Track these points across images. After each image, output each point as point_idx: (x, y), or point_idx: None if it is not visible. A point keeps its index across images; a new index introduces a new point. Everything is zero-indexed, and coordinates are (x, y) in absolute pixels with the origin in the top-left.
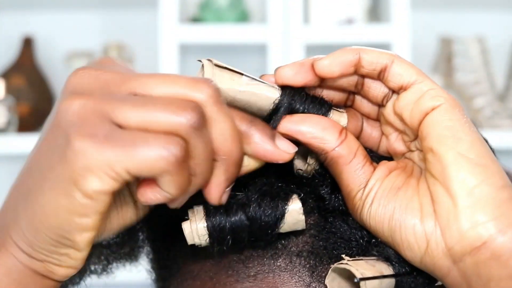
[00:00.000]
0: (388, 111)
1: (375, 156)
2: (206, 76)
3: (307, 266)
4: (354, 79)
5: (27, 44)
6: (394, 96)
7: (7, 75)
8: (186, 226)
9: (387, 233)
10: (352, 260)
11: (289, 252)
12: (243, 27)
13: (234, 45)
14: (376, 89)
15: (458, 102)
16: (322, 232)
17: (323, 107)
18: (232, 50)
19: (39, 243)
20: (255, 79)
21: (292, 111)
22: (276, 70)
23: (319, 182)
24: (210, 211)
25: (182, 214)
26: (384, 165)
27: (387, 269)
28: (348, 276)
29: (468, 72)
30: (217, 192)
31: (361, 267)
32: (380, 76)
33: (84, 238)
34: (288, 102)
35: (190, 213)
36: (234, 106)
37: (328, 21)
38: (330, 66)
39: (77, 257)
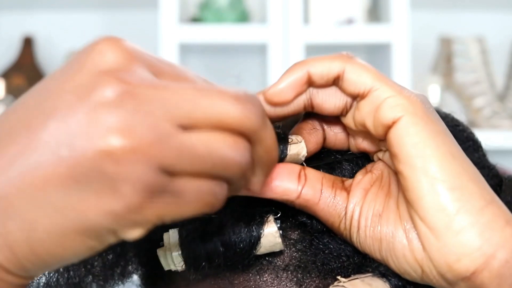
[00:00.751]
0: (348, 120)
1: (347, 160)
2: None
3: (294, 279)
4: (302, 92)
5: (27, 43)
6: (354, 104)
7: (7, 75)
8: (161, 253)
9: (381, 260)
10: (348, 280)
11: (275, 266)
12: (243, 27)
13: (234, 45)
14: (330, 104)
15: (420, 105)
16: (309, 247)
17: (283, 147)
18: (232, 50)
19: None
20: None
21: None
22: None
23: (295, 210)
24: (185, 238)
25: (159, 237)
26: (359, 185)
27: (384, 286)
28: None
29: (468, 72)
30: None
31: (359, 286)
32: (335, 83)
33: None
34: None
35: (165, 238)
36: None
37: (328, 21)
38: (280, 92)
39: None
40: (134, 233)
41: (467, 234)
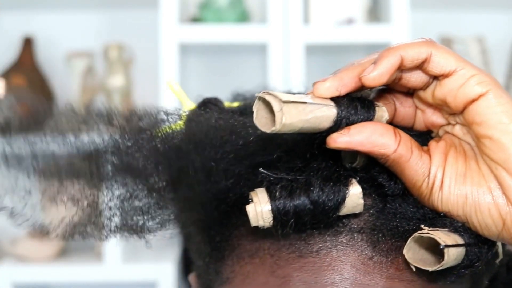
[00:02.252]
0: (427, 94)
1: (415, 134)
2: (276, 113)
3: (369, 241)
4: (394, 76)
5: (28, 44)
6: (434, 82)
7: (7, 75)
8: (250, 209)
9: (462, 217)
10: (431, 230)
11: (351, 229)
12: (243, 27)
13: (234, 45)
14: (416, 79)
15: (498, 83)
16: (382, 212)
17: (370, 109)
18: (232, 50)
19: None
20: (314, 103)
21: (349, 123)
22: (314, 85)
23: (374, 171)
24: (274, 194)
25: (235, 198)
26: (437, 150)
27: (459, 239)
28: (425, 245)
29: None
30: None
31: (441, 235)
32: (419, 67)
33: None
34: (346, 117)
35: (253, 196)
36: (295, 134)
37: (328, 21)
38: (380, 77)
39: None
40: None
41: None
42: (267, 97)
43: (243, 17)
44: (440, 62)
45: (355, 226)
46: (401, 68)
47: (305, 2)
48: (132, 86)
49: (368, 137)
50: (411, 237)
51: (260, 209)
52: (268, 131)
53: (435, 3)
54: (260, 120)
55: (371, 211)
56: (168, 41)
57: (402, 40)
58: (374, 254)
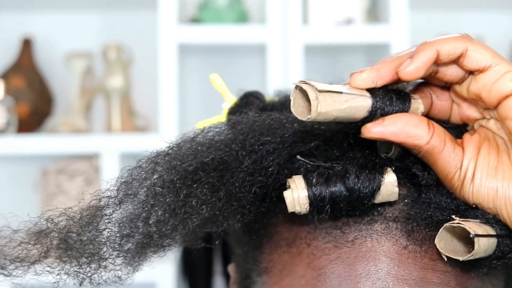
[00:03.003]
0: (462, 88)
1: (451, 127)
2: (312, 101)
3: (404, 230)
4: (431, 70)
5: (27, 44)
6: (470, 77)
7: (6, 76)
8: (288, 194)
9: (493, 209)
10: (462, 220)
11: (385, 217)
12: (242, 27)
13: (233, 46)
14: (452, 73)
15: None
16: (417, 201)
17: (405, 100)
18: (231, 51)
19: None
20: (350, 93)
21: (383, 114)
22: (352, 75)
23: (409, 161)
24: (311, 181)
25: (273, 185)
26: (470, 142)
27: (491, 230)
28: (457, 235)
29: None
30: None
31: (472, 225)
32: (455, 61)
33: None
34: (380, 108)
35: (290, 182)
36: (333, 124)
37: (327, 21)
38: (416, 71)
39: None
40: None
41: None
42: (304, 86)
43: (242, 17)
44: (475, 57)
45: (390, 215)
46: (438, 63)
47: (304, 3)
48: (131, 87)
49: (401, 128)
50: (443, 227)
51: (297, 195)
52: (304, 119)
53: (434, 3)
54: (297, 108)
55: (406, 200)
56: (167, 42)
57: (399, 41)
58: (408, 243)
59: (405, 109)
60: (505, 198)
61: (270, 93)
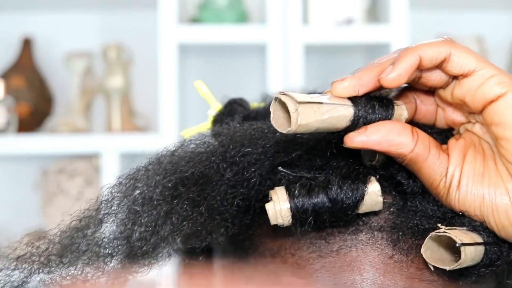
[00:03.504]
0: (446, 93)
1: (436, 132)
2: (292, 113)
3: (389, 239)
4: (414, 75)
5: (27, 44)
6: (454, 81)
7: (6, 76)
8: (270, 207)
9: (480, 216)
10: (448, 229)
11: (371, 227)
12: (242, 27)
13: (233, 46)
14: (436, 78)
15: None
16: (402, 210)
17: (388, 108)
18: (231, 51)
19: None
20: (330, 103)
21: (366, 123)
22: (332, 84)
23: (393, 169)
24: (293, 192)
25: (256, 197)
26: (456, 148)
27: (478, 238)
28: (444, 244)
29: None
30: None
31: (458, 234)
32: (439, 66)
33: None
34: (363, 116)
35: (272, 194)
36: (315, 133)
37: (327, 21)
38: (398, 78)
39: None
40: None
41: None
42: (283, 98)
43: (242, 17)
44: (459, 62)
45: (375, 224)
46: (420, 68)
47: (304, 3)
48: (131, 87)
49: (384, 136)
50: (428, 236)
51: (279, 207)
52: (284, 131)
53: (434, 3)
54: (277, 120)
55: (392, 209)
56: (167, 42)
57: (399, 41)
58: (394, 253)
59: (388, 116)
60: (491, 205)
61: (271, 91)
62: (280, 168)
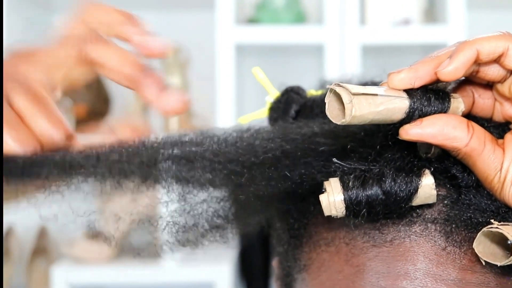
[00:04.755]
0: (504, 88)
1: (493, 126)
2: (346, 104)
3: (443, 231)
4: (471, 69)
5: None
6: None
7: None
8: (324, 198)
9: None
10: (501, 224)
11: (424, 219)
12: (299, 28)
13: (290, 46)
14: (494, 72)
15: None
16: (457, 203)
17: (445, 100)
18: (288, 51)
19: None
20: (385, 95)
21: (421, 115)
22: (389, 76)
23: (448, 162)
24: (347, 184)
25: (311, 187)
26: (510, 144)
27: None
28: (496, 239)
29: None
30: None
31: (511, 230)
32: (496, 60)
33: None
34: (418, 109)
35: (327, 185)
36: (370, 125)
37: (385, 22)
38: (455, 71)
39: None
40: None
41: None
42: (338, 89)
43: (300, 18)
44: None
45: (429, 216)
46: (478, 62)
47: (361, 3)
48: (189, 87)
49: (440, 129)
50: (481, 231)
51: (333, 199)
52: (338, 122)
53: (492, 3)
54: (332, 111)
55: (445, 201)
56: (224, 42)
57: (459, 41)
58: (447, 245)
59: (444, 109)
60: None
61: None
62: (334, 159)
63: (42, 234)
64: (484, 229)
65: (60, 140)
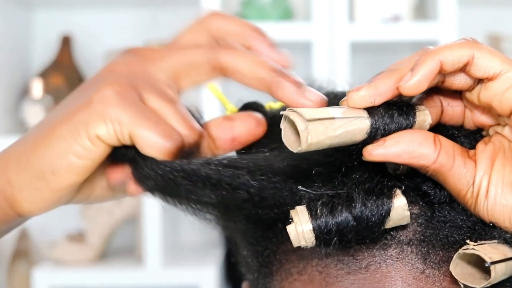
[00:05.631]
0: (473, 96)
1: (464, 135)
2: (301, 132)
3: (419, 253)
4: (436, 80)
5: (66, 42)
6: (480, 84)
7: (45, 75)
8: (291, 229)
9: (510, 228)
10: (477, 244)
11: (399, 241)
12: (287, 24)
13: (278, 43)
14: (460, 81)
15: None
16: (431, 221)
17: (409, 115)
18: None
19: (23, 170)
20: (344, 117)
21: (385, 134)
22: (348, 94)
23: (419, 178)
24: (315, 212)
25: (278, 214)
26: (484, 154)
27: (509, 251)
28: (473, 260)
29: None
30: None
31: (488, 251)
32: (462, 69)
33: (64, 179)
34: (381, 128)
35: (293, 215)
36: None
37: (374, 18)
38: (418, 85)
39: (46, 196)
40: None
41: None
42: (292, 116)
43: (287, 14)
44: (483, 65)
45: (404, 238)
46: (442, 73)
47: None
48: None
49: (405, 148)
50: (457, 253)
51: (301, 229)
52: (295, 150)
53: (484, 0)
54: (289, 138)
55: (419, 220)
56: None
57: (447, 38)
58: (425, 267)
59: (409, 124)
60: None
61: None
62: (299, 187)
63: (23, 236)
64: (460, 251)
65: (193, 140)
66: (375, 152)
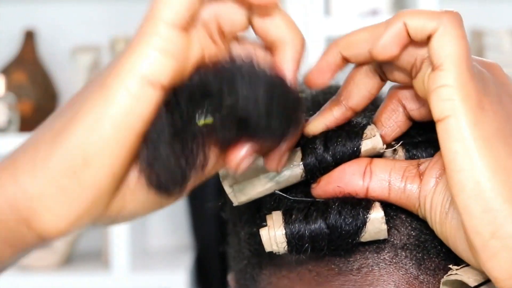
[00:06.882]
0: (419, 84)
1: (427, 141)
2: (228, 194)
3: (414, 258)
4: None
5: (29, 37)
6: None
7: (7, 71)
8: (264, 232)
9: (459, 246)
10: (460, 267)
11: (393, 245)
12: None
13: (251, 38)
14: (399, 76)
15: (471, 94)
16: (426, 225)
17: (354, 141)
18: None
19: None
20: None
21: (324, 172)
22: (304, 78)
23: None
24: (289, 217)
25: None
26: (433, 170)
27: None
28: (460, 283)
29: None
30: None
31: (471, 273)
32: (427, 44)
33: (100, 167)
34: (318, 169)
35: (268, 219)
36: None
37: (351, 12)
38: (389, 45)
39: (75, 200)
40: None
41: (500, 257)
42: (221, 177)
43: None
44: (435, 49)
45: (398, 242)
46: (410, 40)
47: None
48: None
49: (335, 186)
50: (442, 281)
51: (273, 233)
52: (235, 204)
53: None
54: (230, 193)
55: (414, 224)
56: None
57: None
58: (420, 273)
59: (355, 153)
60: (455, 250)
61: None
62: (276, 191)
63: None
64: (444, 277)
65: None
66: (316, 192)
